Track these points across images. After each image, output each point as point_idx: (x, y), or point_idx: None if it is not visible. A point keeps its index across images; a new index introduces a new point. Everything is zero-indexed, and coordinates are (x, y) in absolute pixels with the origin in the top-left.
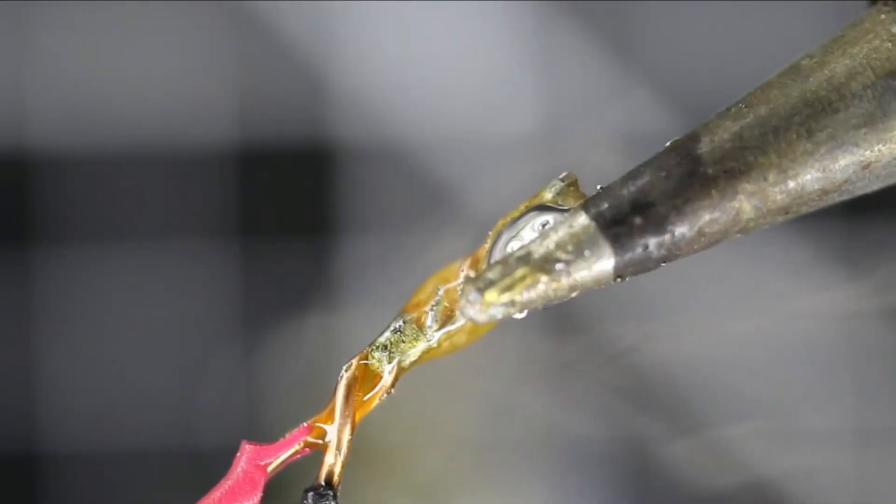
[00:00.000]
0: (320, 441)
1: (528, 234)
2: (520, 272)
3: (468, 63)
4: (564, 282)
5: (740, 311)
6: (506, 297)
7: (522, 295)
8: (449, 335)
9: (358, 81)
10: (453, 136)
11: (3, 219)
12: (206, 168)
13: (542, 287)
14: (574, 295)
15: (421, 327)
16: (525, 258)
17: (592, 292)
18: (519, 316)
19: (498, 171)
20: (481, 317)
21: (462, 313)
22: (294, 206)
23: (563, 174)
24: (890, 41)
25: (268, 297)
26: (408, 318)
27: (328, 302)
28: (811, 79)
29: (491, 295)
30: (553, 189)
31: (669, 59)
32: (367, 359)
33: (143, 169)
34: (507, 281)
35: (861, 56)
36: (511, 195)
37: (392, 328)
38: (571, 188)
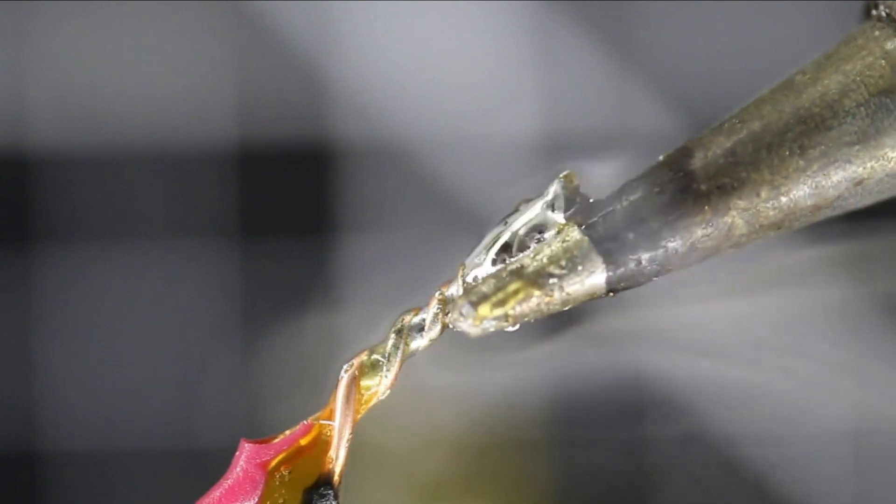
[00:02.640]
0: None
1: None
2: (513, 286)
3: (468, 63)
4: (557, 296)
5: (740, 310)
6: (499, 311)
7: (515, 309)
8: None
9: (358, 81)
10: (453, 136)
11: (3, 219)
12: (205, 168)
13: (535, 301)
14: (566, 308)
15: (421, 327)
16: (518, 272)
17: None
18: (511, 329)
19: (498, 171)
20: (474, 330)
21: (455, 326)
22: (294, 206)
23: (563, 173)
24: (883, 58)
25: (268, 297)
26: (408, 318)
27: (328, 302)
28: (804, 95)
29: (484, 309)
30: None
31: (669, 59)
32: (366, 358)
33: (143, 169)
34: (500, 295)
35: (854, 73)
36: (511, 195)
37: (393, 328)
38: (570, 186)
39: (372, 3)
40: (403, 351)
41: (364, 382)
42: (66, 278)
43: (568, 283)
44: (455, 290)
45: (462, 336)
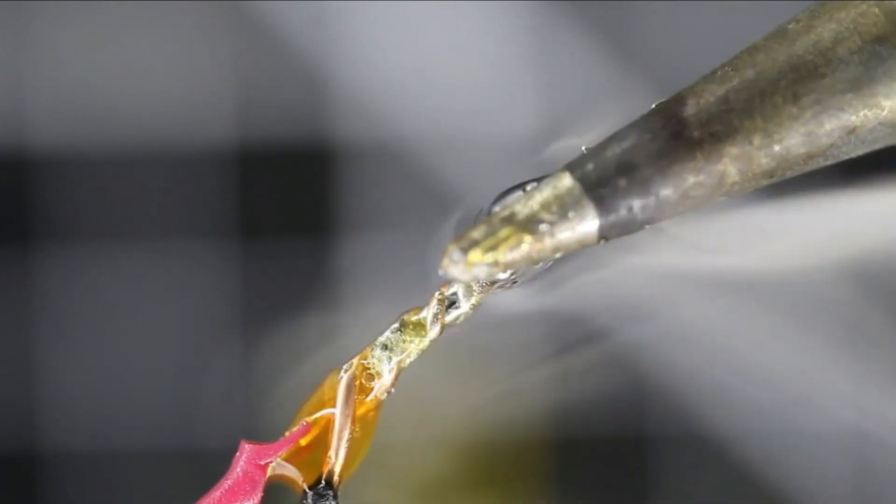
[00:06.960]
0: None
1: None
2: (503, 232)
3: (468, 62)
4: (548, 243)
5: (740, 310)
6: (489, 257)
7: (506, 255)
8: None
9: (358, 81)
10: (453, 136)
11: (3, 219)
12: (205, 168)
13: (526, 247)
14: (557, 256)
15: (421, 326)
16: (509, 218)
17: (593, 294)
18: (502, 276)
19: (498, 171)
20: (464, 276)
21: (445, 273)
22: (294, 206)
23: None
24: (877, 6)
25: (268, 297)
26: (407, 318)
27: (328, 302)
28: (798, 43)
29: (474, 255)
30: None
31: (670, 60)
32: (366, 358)
33: (143, 169)
34: (491, 241)
35: (848, 21)
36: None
37: (392, 328)
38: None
39: (372, 3)
40: (403, 351)
41: (363, 384)
42: (66, 278)
43: (559, 230)
44: (455, 289)
45: (462, 336)
